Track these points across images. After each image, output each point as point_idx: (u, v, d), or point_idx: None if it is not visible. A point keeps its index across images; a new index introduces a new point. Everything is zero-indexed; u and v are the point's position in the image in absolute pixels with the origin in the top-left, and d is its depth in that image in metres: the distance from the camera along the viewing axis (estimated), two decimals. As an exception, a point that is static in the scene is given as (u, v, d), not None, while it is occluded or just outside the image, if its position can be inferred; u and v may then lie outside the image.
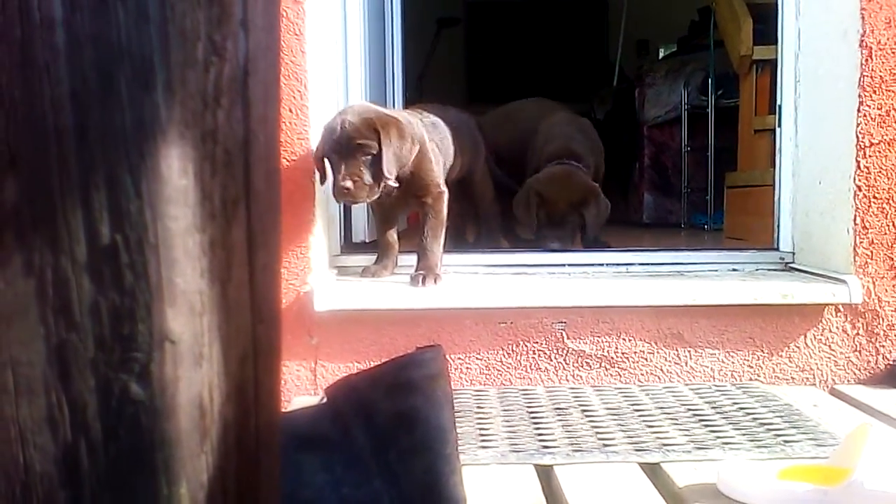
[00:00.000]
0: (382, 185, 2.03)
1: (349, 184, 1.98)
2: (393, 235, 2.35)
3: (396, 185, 2.13)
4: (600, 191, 2.94)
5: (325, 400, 1.18)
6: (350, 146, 1.99)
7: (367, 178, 2.00)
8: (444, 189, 2.27)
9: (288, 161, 2.10)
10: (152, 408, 0.63)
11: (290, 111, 2.10)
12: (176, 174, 0.63)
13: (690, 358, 2.16)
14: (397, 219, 2.40)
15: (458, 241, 2.95)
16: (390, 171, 2.00)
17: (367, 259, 2.36)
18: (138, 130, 0.62)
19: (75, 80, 0.61)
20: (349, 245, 2.50)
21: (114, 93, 0.62)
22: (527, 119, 3.19)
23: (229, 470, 0.68)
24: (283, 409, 1.71)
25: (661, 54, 5.88)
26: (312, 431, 1.11)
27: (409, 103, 3.26)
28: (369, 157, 1.99)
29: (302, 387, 2.13)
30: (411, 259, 2.41)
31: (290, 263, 2.10)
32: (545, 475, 1.54)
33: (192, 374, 0.65)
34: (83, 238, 0.61)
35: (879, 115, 2.13)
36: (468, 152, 2.66)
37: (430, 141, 2.28)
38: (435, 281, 2.14)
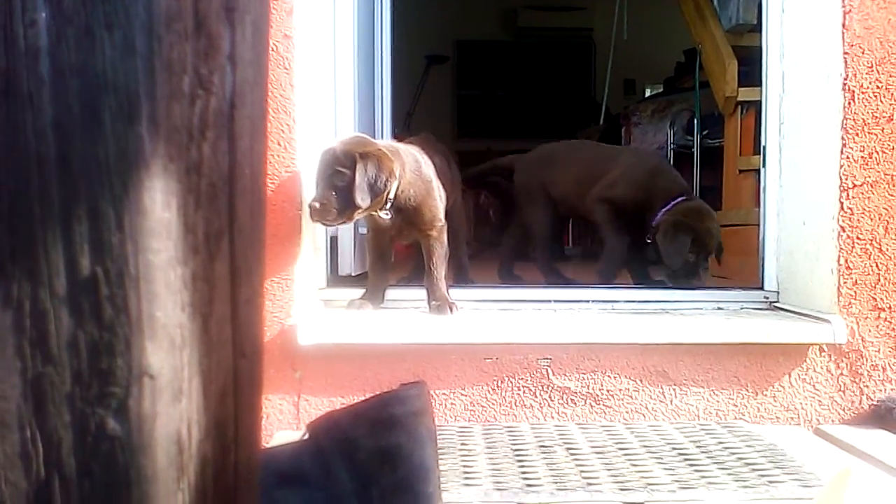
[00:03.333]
0: (356, 210, 2.09)
1: (316, 205, 2.07)
2: (385, 269, 2.35)
3: (388, 216, 2.20)
4: None
5: (307, 436, 1.17)
6: (328, 172, 2.08)
7: (337, 203, 2.08)
8: (444, 222, 2.33)
9: (275, 193, 2.10)
10: (129, 444, 0.62)
11: (279, 144, 2.11)
12: (159, 207, 0.63)
13: (675, 396, 2.15)
14: (391, 252, 2.41)
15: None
16: (362, 198, 2.07)
17: (353, 292, 2.35)
18: (122, 162, 0.62)
19: (59, 111, 0.61)
20: (335, 278, 2.49)
21: (97, 124, 0.61)
22: (593, 157, 3.17)
23: (206, 508, 0.67)
24: (265, 444, 1.69)
25: (647, 94, 5.94)
26: (293, 468, 1.09)
27: (397, 139, 3.27)
28: (343, 184, 2.06)
29: (284, 421, 2.10)
30: (397, 293, 2.40)
31: (275, 296, 2.09)
32: (529, 514, 1.52)
33: (171, 410, 0.63)
34: (63, 270, 0.61)
35: (862, 157, 2.15)
36: (449, 185, 2.67)
37: (436, 178, 2.33)
38: (452, 310, 2.21)
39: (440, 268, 2.28)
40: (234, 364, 0.69)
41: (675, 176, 2.99)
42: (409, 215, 2.25)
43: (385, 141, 2.33)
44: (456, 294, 2.35)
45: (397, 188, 2.17)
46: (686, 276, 2.70)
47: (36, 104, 0.60)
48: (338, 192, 2.07)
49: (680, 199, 2.86)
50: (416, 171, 2.25)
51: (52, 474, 0.61)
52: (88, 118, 0.61)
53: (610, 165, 3.03)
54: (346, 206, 2.07)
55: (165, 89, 0.63)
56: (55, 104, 0.61)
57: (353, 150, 2.08)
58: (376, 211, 2.17)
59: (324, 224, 2.17)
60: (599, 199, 2.96)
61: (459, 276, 2.85)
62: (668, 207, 2.84)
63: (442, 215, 2.32)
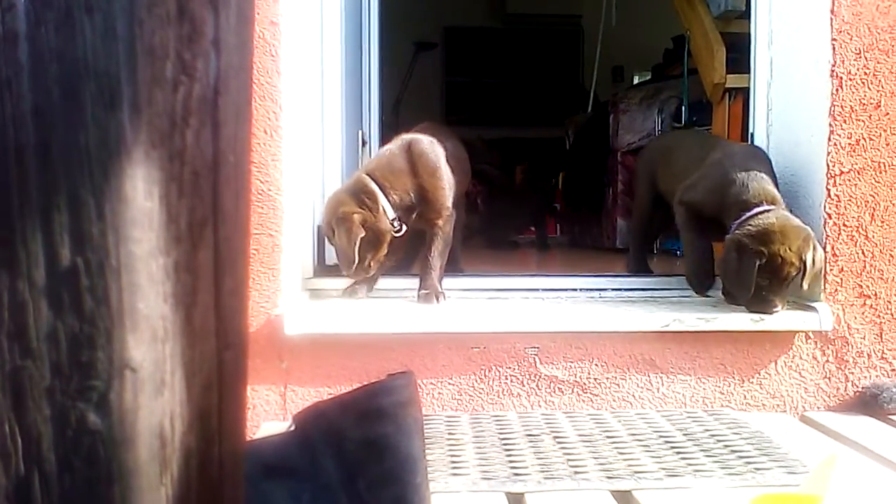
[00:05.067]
0: (375, 261, 2.19)
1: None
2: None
3: (401, 230, 2.22)
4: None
5: (293, 427, 1.16)
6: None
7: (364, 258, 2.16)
8: (453, 211, 2.32)
9: (261, 182, 2.08)
10: (110, 438, 0.61)
11: (265, 132, 2.09)
12: (141, 195, 0.61)
13: (662, 384, 2.15)
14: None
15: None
16: (342, 266, 2.14)
17: (340, 282, 2.34)
18: (102, 150, 0.60)
19: (38, 97, 0.59)
20: (322, 267, 2.48)
21: (78, 110, 0.60)
22: (689, 150, 2.73)
23: (190, 502, 0.66)
24: (251, 435, 1.68)
25: (635, 81, 5.93)
26: (279, 459, 1.09)
27: (385, 127, 3.26)
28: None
29: (271, 412, 2.09)
30: (384, 283, 2.39)
31: (261, 285, 2.07)
32: (516, 503, 1.52)
33: (153, 403, 0.62)
34: (42, 261, 0.59)
35: (850, 143, 2.15)
36: (458, 175, 2.64)
37: (445, 164, 2.30)
38: (438, 299, 2.22)
39: (438, 259, 2.27)
40: (218, 355, 0.68)
41: (759, 181, 2.28)
42: (419, 204, 2.24)
43: (352, 173, 2.34)
44: (444, 283, 2.34)
45: (395, 200, 2.19)
46: (762, 307, 2.15)
47: (14, 90, 0.59)
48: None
49: (757, 210, 2.21)
50: (409, 169, 2.24)
51: (31, 469, 0.59)
52: (68, 104, 0.60)
53: (699, 163, 2.56)
54: (365, 259, 2.15)
55: (147, 74, 0.61)
56: (34, 90, 0.59)
57: (328, 221, 2.17)
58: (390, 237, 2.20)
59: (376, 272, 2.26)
60: (679, 202, 2.52)
61: (450, 265, 2.84)
62: (739, 221, 2.24)
63: (449, 203, 2.29)
